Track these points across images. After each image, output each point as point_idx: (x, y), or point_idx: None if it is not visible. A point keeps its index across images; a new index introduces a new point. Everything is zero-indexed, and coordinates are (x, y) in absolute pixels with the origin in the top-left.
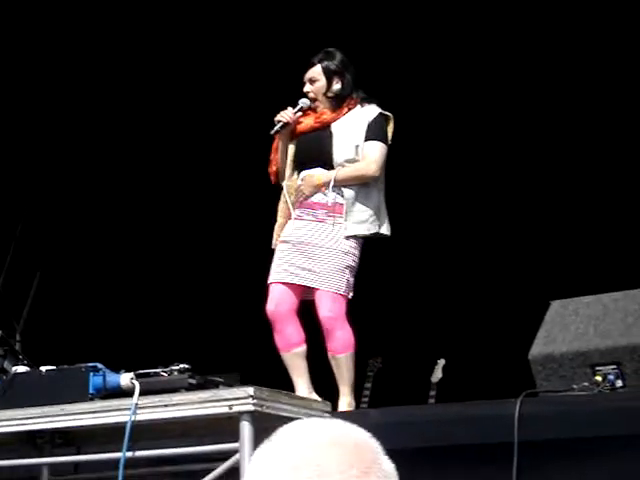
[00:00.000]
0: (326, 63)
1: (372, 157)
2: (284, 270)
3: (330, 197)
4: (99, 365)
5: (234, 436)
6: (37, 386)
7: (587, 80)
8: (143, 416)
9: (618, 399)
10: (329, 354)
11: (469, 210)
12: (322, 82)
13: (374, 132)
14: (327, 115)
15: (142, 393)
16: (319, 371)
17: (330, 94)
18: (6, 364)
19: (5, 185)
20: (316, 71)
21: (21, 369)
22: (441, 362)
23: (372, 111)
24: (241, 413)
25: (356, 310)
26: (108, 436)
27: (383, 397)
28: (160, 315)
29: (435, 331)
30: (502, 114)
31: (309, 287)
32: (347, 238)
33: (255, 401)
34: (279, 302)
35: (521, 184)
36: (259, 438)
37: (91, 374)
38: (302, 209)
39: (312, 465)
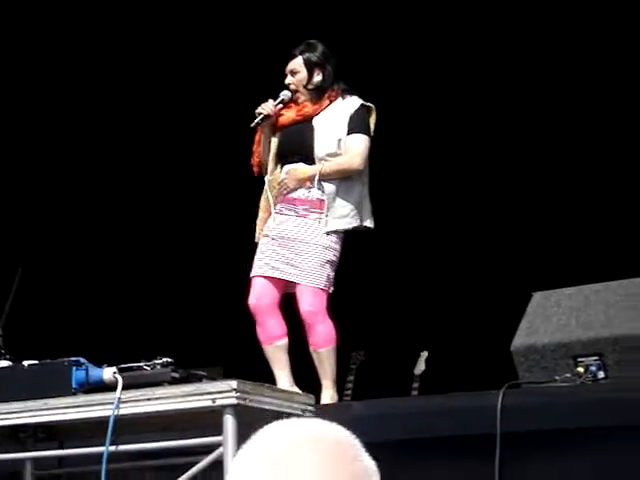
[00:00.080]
0: (307, 55)
1: (356, 150)
2: (265, 264)
3: (312, 193)
4: (82, 359)
5: (217, 430)
6: (19, 380)
7: (576, 73)
8: (126, 410)
9: (600, 390)
10: (311, 348)
11: (451, 202)
12: (303, 74)
13: (356, 125)
14: (309, 108)
15: (125, 387)
16: (302, 365)
17: (311, 86)
18: None
19: None
20: (297, 63)
21: (3, 364)
22: (424, 354)
23: (353, 103)
24: (224, 406)
25: (339, 303)
26: (91, 430)
27: (366, 390)
28: (143, 309)
29: (418, 323)
30: (487, 103)
31: (291, 281)
32: (328, 233)
33: (238, 394)
34: (261, 295)
35: (503, 176)
36: (242, 431)
37: (74, 368)
38: (283, 204)
39: (291, 460)
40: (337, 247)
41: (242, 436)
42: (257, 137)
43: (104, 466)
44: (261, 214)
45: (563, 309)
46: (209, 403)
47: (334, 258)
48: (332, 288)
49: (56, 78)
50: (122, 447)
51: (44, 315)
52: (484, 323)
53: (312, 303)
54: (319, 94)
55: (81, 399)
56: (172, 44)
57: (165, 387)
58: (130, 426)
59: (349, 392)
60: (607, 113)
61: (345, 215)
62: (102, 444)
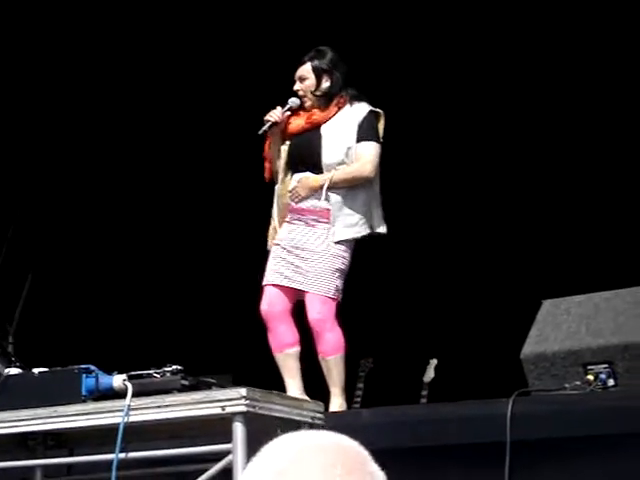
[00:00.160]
0: (316, 61)
1: (367, 157)
2: (276, 272)
3: (319, 203)
4: (92, 367)
5: (227, 437)
6: (30, 388)
7: (578, 73)
8: (136, 417)
9: (610, 398)
10: (319, 356)
11: (461, 210)
12: (311, 80)
13: (366, 132)
14: (317, 115)
15: (135, 394)
16: (311, 373)
17: (319, 92)
18: None
19: None
20: (306, 69)
21: (14, 371)
22: (433, 362)
23: (362, 110)
24: (234, 414)
25: (348, 310)
26: (101, 438)
27: (375, 397)
28: (153, 317)
29: (427, 331)
30: (496, 113)
31: (301, 290)
32: (337, 242)
33: (248, 402)
34: (272, 302)
35: (513, 185)
36: (252, 439)
37: (84, 376)
38: (293, 214)
39: (297, 469)
40: (346, 255)
41: (251, 443)
42: (267, 144)
43: (114, 473)
44: (272, 222)
45: (573, 317)
46: (218, 410)
47: (343, 267)
48: (341, 296)
49: (69, 91)
50: (132, 454)
51: (54, 323)
52: (494, 331)
53: (320, 311)
54: (327, 100)
55: (91, 406)
56: (185, 50)
57: (175, 395)
58: (140, 433)
59: (358, 400)
60: (620, 121)
61: (354, 224)
62: (112, 451)
